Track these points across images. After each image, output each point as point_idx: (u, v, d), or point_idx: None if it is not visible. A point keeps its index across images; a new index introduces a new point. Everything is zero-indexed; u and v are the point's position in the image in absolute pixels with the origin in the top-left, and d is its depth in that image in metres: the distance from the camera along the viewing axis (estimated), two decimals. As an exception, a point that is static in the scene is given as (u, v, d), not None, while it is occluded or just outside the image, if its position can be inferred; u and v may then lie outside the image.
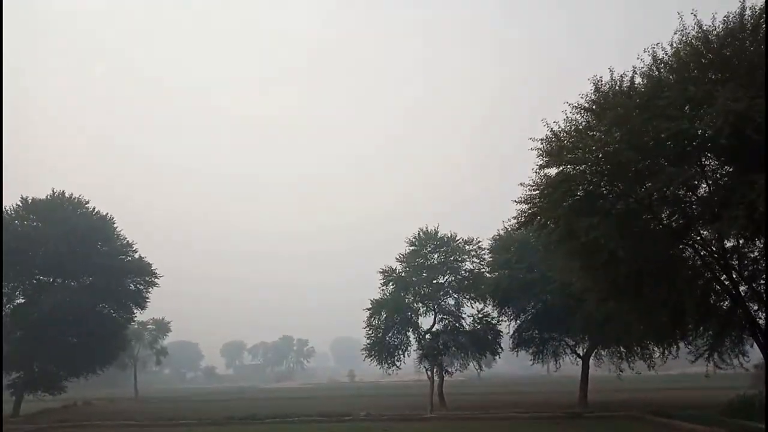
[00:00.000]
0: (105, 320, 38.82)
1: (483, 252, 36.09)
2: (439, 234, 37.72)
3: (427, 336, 36.01)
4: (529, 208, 19.17)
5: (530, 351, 36.31)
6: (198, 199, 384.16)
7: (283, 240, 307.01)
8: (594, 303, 23.20)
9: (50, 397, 38.97)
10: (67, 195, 38.48)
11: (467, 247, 36.63)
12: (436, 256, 38.07)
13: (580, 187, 17.56)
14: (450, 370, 35.56)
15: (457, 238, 37.52)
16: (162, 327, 69.55)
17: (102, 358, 40.55)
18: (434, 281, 37.52)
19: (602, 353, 35.40)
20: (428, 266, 37.91)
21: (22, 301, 38.11)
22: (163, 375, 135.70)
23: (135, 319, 42.91)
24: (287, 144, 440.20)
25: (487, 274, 36.39)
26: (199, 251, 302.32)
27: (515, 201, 19.94)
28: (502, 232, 35.37)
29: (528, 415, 28.99)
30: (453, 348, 35.46)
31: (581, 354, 35.06)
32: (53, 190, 38.18)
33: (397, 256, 39.22)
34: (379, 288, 39.06)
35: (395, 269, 38.81)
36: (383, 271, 38.79)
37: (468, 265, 37.32)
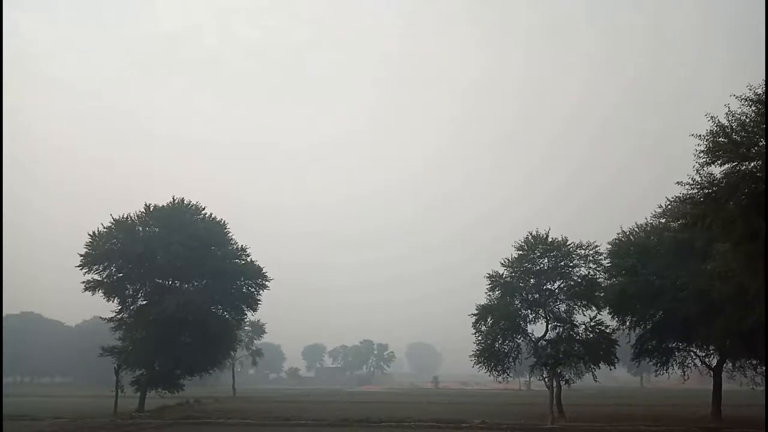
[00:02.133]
0: (220, 322, 40.40)
1: (600, 257, 34.48)
2: (549, 238, 36.50)
3: (541, 343, 34.77)
4: (692, 208, 17.89)
5: (653, 362, 34.39)
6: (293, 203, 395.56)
7: (360, 247, 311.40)
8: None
9: (169, 394, 40.83)
10: (185, 202, 40.41)
11: (582, 251, 35.16)
12: (545, 260, 36.87)
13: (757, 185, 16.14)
14: (571, 379, 34.09)
15: (568, 243, 36.15)
16: (257, 329, 71.91)
17: (215, 358, 42.22)
18: (543, 287, 36.39)
19: (731, 365, 33.07)
20: (536, 271, 36.79)
21: (144, 303, 40.25)
22: (248, 375, 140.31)
23: (246, 321, 44.30)
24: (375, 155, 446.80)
25: (604, 281, 34.87)
26: (274, 257, 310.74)
27: (670, 200, 18.71)
28: (622, 238, 33.82)
29: (661, 428, 27.32)
30: (570, 357, 34.05)
31: (711, 365, 32.78)
32: (173, 198, 40.31)
33: (503, 261, 38.28)
34: (485, 293, 38.35)
35: (502, 274, 38.01)
36: (490, 276, 38.02)
37: (582, 271, 35.84)
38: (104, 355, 38.89)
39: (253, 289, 41.80)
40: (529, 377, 35.72)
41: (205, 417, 34.03)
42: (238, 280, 41.37)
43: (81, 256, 37.76)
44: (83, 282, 38.03)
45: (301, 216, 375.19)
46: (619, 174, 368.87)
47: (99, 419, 31.77)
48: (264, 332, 74.44)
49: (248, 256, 41.63)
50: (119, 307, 39.26)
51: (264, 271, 41.88)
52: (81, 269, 37.73)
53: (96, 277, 38.20)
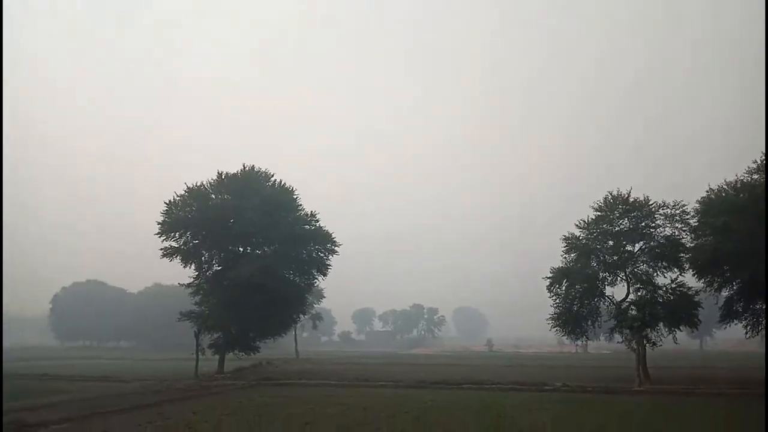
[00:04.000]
0: (292, 286, 41.01)
1: (687, 216, 33.00)
2: (629, 198, 35.15)
3: (624, 306, 33.85)
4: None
5: (743, 324, 33.04)
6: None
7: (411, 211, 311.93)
8: None
9: (245, 356, 42.00)
10: (255, 169, 40.65)
11: (667, 210, 33.71)
12: (625, 221, 35.65)
13: None
14: (658, 342, 33.14)
15: (650, 202, 34.69)
16: (317, 294, 73.03)
17: (287, 321, 43.05)
18: (623, 249, 35.25)
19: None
20: (615, 233, 35.68)
21: (219, 268, 41.09)
22: (302, 338, 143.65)
23: (315, 285, 44.73)
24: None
25: (690, 241, 33.49)
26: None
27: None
28: (711, 195, 32.18)
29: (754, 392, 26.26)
30: (657, 319, 33.03)
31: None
32: (244, 165, 40.59)
33: (578, 223, 37.30)
34: (561, 256, 37.51)
35: (578, 236, 37.00)
36: (565, 239, 37.14)
37: (666, 231, 34.47)
38: (183, 320, 40.05)
39: (322, 254, 42.10)
40: (608, 340, 34.94)
41: (284, 378, 34.83)
42: (308, 245, 41.69)
43: (158, 224, 38.65)
44: (161, 249, 39.00)
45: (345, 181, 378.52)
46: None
47: (183, 381, 32.95)
48: (323, 296, 75.68)
49: (317, 221, 41.84)
50: (196, 273, 40.17)
51: (333, 236, 42.05)
52: (159, 236, 38.67)
53: (173, 243, 39.12)
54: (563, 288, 36.19)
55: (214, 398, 24.53)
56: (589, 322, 35.55)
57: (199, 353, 37.62)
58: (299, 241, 40.94)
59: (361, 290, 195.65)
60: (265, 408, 20.51)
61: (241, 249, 41.28)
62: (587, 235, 36.81)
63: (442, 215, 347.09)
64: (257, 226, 38.59)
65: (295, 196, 41.38)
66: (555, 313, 35.50)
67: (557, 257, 37.68)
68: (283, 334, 45.33)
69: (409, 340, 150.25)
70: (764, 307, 32.03)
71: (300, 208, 41.64)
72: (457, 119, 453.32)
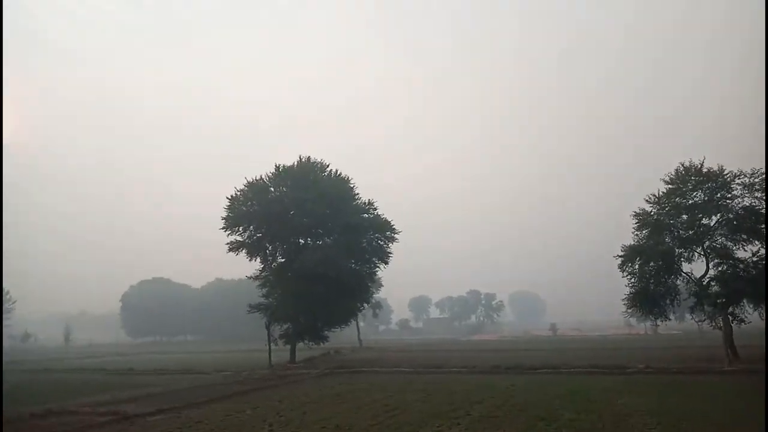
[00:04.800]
0: (355, 275, 41.26)
1: (771, 184, 30.99)
2: (703, 168, 33.35)
3: (705, 282, 32.28)
4: None
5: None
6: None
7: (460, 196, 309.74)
8: None
9: (315, 345, 42.69)
10: (311, 160, 41.01)
11: (745, 179, 31.81)
12: (699, 193, 33.91)
13: None
14: (746, 319, 31.50)
15: (725, 172, 32.82)
16: (376, 282, 73.10)
17: (352, 310, 43.41)
18: (698, 222, 33.55)
19: None
20: (689, 206, 34.00)
21: (282, 260, 41.82)
22: (361, 327, 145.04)
23: (377, 273, 44.84)
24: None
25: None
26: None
27: None
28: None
29: None
30: (743, 295, 31.37)
31: None
32: (300, 157, 40.98)
33: (647, 197, 35.80)
34: (632, 233, 36.14)
35: (649, 212, 35.52)
36: (636, 215, 35.74)
37: (744, 201, 32.56)
38: (252, 312, 41.02)
39: (382, 242, 42.14)
40: (692, 319, 33.37)
41: (357, 366, 35.08)
42: (368, 233, 41.81)
43: (222, 219, 39.64)
44: (227, 243, 40.02)
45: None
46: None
47: (259, 371, 33.75)
48: (381, 285, 75.88)
49: (375, 209, 41.90)
50: (261, 266, 41.03)
51: (392, 224, 41.99)
52: (224, 231, 39.66)
53: (238, 238, 40.03)
54: (636, 266, 34.88)
55: (293, 387, 24.96)
56: (667, 301, 34.12)
57: (271, 343, 38.46)
58: (359, 230, 41.11)
59: (416, 278, 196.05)
60: (347, 395, 20.67)
61: (302, 240, 41.85)
62: (658, 210, 35.32)
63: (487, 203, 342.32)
64: (317, 217, 39.03)
65: (351, 186, 41.54)
66: (630, 293, 34.24)
67: (614, 237, 36.42)
68: (349, 323, 45.73)
69: (467, 327, 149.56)
70: None
71: (357, 197, 41.79)
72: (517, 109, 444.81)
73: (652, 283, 33.85)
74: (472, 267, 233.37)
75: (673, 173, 34.36)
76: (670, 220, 34.77)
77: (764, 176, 30.99)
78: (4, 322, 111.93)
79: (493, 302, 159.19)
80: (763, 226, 32.03)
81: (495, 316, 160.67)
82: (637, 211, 35.52)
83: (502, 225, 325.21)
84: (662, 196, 35.03)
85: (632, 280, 33.91)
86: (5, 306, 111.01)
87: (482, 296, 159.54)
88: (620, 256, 35.31)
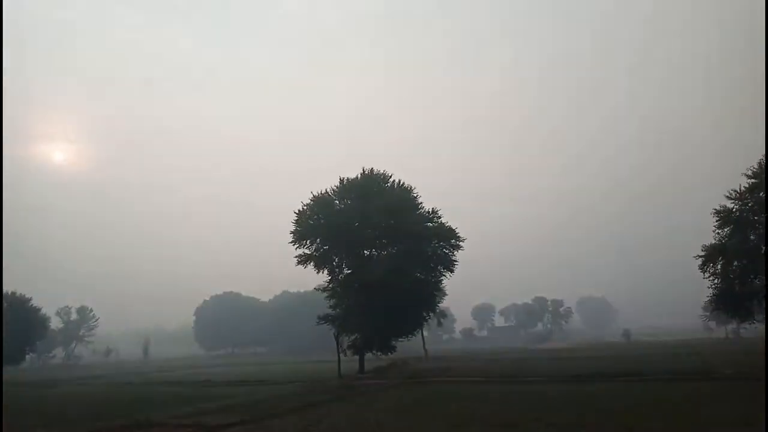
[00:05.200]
0: (421, 284, 41.06)
1: None
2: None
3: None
4: None
5: None
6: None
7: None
8: None
9: (383, 356, 42.76)
10: (374, 172, 41.30)
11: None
12: (787, 186, 31.69)
13: None
14: None
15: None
16: (441, 291, 72.36)
17: (419, 320, 43.20)
18: (787, 217, 31.31)
19: None
20: (776, 200, 31.79)
21: (349, 272, 42.20)
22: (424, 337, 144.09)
23: (443, 282, 44.38)
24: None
25: None
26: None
27: None
28: None
29: None
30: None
31: None
32: (363, 169, 41.41)
33: (728, 193, 33.78)
34: (713, 231, 34.23)
35: (731, 209, 33.52)
36: (717, 212, 33.85)
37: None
38: (320, 323, 41.56)
39: (447, 251, 41.75)
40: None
41: (427, 375, 34.69)
42: (432, 242, 41.56)
43: (291, 233, 40.51)
44: (296, 257, 40.86)
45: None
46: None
47: (330, 381, 34.03)
48: (445, 294, 74.96)
49: (439, 218, 41.60)
50: (329, 278, 41.58)
51: (457, 232, 41.56)
52: (293, 245, 40.53)
53: (306, 251, 40.80)
54: (719, 266, 32.96)
55: (366, 397, 24.97)
56: (754, 302, 31.99)
57: (340, 354, 38.77)
58: (423, 239, 40.92)
59: (479, 286, 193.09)
60: (423, 405, 20.47)
61: (367, 252, 42.09)
62: (741, 206, 33.31)
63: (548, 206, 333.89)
64: (381, 228, 39.18)
65: (414, 195, 41.47)
66: (713, 295, 32.38)
67: (682, 239, 34.47)
68: (415, 333, 45.51)
69: (534, 335, 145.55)
70: None
71: (420, 206, 41.67)
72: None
73: (737, 283, 31.87)
74: (536, 272, 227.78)
75: (756, 166, 32.36)
76: (754, 216, 32.68)
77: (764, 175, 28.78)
78: (88, 339, 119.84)
79: (561, 309, 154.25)
80: None
81: (563, 323, 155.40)
82: (718, 208, 33.63)
83: (567, 229, 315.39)
84: (744, 191, 33.07)
85: (715, 281, 32.03)
86: (89, 324, 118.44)
87: (548, 303, 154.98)
88: (701, 256, 33.52)
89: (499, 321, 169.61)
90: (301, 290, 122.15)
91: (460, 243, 41.56)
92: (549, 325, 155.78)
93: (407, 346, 74.86)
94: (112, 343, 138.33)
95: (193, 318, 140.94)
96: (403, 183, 41.42)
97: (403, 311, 40.24)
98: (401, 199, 40.54)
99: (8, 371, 66.67)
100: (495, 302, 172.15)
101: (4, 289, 64.22)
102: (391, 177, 41.63)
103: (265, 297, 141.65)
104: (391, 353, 42.78)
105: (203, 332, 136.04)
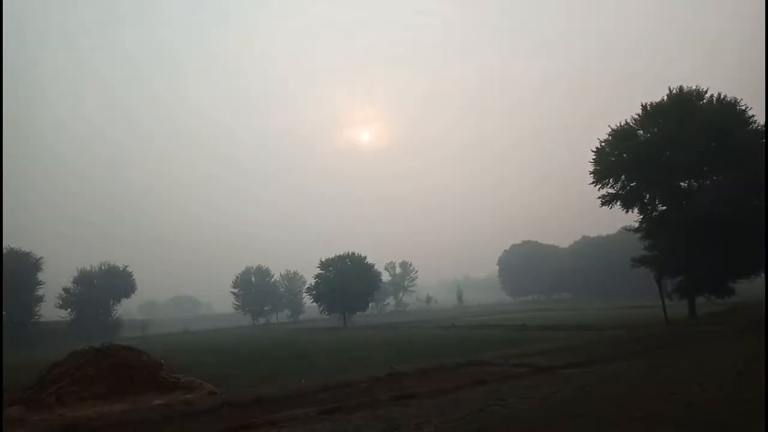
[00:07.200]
0: (761, 214, 34.10)
1: None
2: None
3: None
4: None
5: None
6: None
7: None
8: None
9: (718, 299, 37.54)
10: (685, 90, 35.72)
11: None
12: None
13: None
14: None
15: None
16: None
17: (759, 255, 36.19)
18: None
19: None
20: None
21: (663, 208, 37.91)
22: None
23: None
24: None
25: None
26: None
27: None
28: None
29: None
30: None
31: None
32: (670, 89, 36.22)
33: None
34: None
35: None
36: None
37: None
38: (636, 266, 38.62)
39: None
40: None
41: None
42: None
43: (591, 173, 38.22)
44: (599, 197, 38.44)
45: None
46: None
47: (654, 327, 31.38)
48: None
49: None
50: (641, 216, 38.14)
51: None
52: (595, 186, 38.25)
53: (610, 190, 38.04)
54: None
55: (704, 345, 22.37)
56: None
57: (665, 299, 35.42)
58: (758, 160, 33.57)
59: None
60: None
61: (684, 184, 36.94)
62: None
63: None
64: (701, 154, 33.71)
65: (741, 108, 34.28)
66: None
67: None
68: (759, 273, 38.16)
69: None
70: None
71: (752, 119, 34.20)
72: None
73: None
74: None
75: None
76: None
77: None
78: (410, 289, 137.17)
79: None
80: None
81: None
82: None
83: None
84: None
85: None
86: (410, 276, 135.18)
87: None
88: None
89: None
90: (603, 234, 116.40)
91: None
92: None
93: (749, 289, 64.09)
94: (431, 292, 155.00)
95: (497, 267, 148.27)
96: (725, 96, 34.64)
97: (741, 248, 34.03)
98: (723, 115, 33.98)
99: (357, 316, 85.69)
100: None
101: (349, 251, 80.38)
102: (706, 91, 35.30)
103: (564, 243, 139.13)
104: (729, 296, 36.98)
105: (508, 280, 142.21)
